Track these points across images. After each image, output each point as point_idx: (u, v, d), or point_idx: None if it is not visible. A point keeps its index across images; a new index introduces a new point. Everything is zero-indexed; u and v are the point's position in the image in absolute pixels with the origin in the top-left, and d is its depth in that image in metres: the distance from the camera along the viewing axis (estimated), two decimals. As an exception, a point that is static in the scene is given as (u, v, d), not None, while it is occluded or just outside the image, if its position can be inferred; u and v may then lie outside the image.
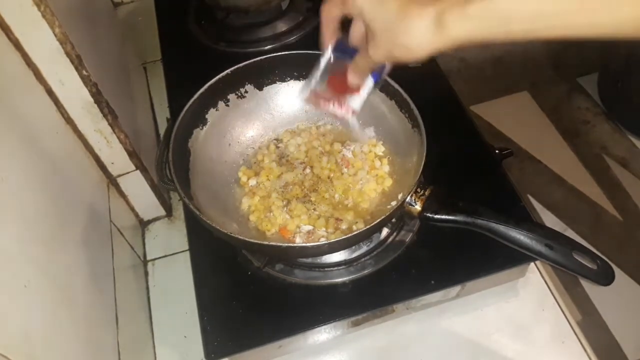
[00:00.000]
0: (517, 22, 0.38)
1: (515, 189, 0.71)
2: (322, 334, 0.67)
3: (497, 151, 0.76)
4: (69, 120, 0.66)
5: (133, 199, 0.83)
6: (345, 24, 0.50)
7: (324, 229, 0.64)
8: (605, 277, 0.54)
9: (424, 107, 0.63)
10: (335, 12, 0.48)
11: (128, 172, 0.78)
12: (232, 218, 0.66)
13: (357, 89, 0.54)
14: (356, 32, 0.50)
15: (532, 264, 0.72)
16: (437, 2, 0.41)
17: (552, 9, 0.37)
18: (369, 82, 0.53)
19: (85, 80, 0.63)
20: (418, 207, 0.59)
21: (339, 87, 0.54)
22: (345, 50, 0.51)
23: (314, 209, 0.66)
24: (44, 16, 0.56)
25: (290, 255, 0.65)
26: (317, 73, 0.56)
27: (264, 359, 0.67)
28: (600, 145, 1.85)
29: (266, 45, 0.93)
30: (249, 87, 0.72)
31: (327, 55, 0.54)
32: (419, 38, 0.42)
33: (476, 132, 0.78)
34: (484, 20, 0.39)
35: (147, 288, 0.81)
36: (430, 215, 0.59)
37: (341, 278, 0.65)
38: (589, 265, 0.54)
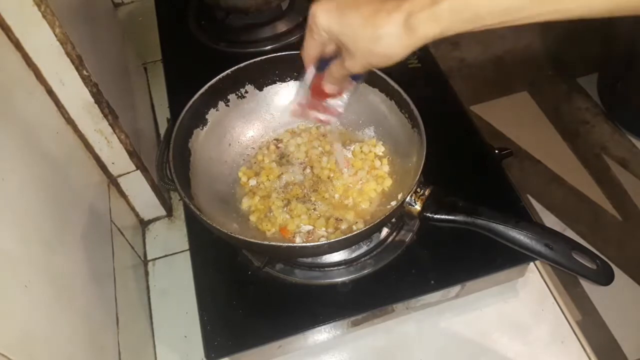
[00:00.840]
0: (488, 17, 0.39)
1: (515, 189, 0.71)
2: (322, 334, 0.67)
3: (496, 151, 0.76)
4: (69, 121, 0.66)
5: (133, 199, 0.83)
6: None
7: (324, 229, 0.64)
8: (604, 277, 0.54)
9: (424, 107, 0.63)
10: (314, 51, 0.50)
11: (128, 172, 0.78)
12: (232, 218, 0.67)
13: (339, 93, 0.56)
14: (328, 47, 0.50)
15: (531, 264, 0.72)
16: (401, 5, 0.41)
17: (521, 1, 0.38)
18: (351, 84, 0.55)
19: (86, 80, 0.64)
20: (418, 207, 0.59)
21: (322, 94, 0.56)
22: (325, 62, 0.53)
23: (314, 209, 0.66)
24: (44, 16, 0.56)
25: (290, 255, 0.65)
26: (301, 89, 0.58)
27: (264, 359, 0.67)
28: (600, 145, 1.85)
29: (266, 46, 0.93)
30: (249, 87, 0.72)
31: (309, 77, 0.55)
32: (392, 44, 0.43)
33: (476, 132, 0.78)
34: (455, 17, 0.40)
35: (148, 288, 0.81)
36: (430, 215, 0.59)
37: (341, 278, 0.65)
38: (589, 265, 0.54)
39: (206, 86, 0.68)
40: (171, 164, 0.61)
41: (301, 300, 0.64)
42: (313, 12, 0.46)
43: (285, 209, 0.66)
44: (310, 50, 0.50)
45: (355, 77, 0.54)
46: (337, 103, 0.57)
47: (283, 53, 0.71)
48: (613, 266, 0.54)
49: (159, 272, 0.83)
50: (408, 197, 0.59)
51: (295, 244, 0.62)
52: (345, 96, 0.56)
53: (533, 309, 0.70)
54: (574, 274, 0.54)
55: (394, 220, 0.66)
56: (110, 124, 0.69)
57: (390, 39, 0.42)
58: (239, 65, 0.69)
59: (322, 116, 0.59)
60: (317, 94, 0.56)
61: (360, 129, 0.73)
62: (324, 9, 0.45)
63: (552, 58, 2.11)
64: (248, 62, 0.70)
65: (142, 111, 0.96)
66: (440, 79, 0.85)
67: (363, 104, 0.71)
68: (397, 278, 0.65)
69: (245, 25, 0.96)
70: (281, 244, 0.60)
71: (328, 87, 0.54)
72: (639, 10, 0.36)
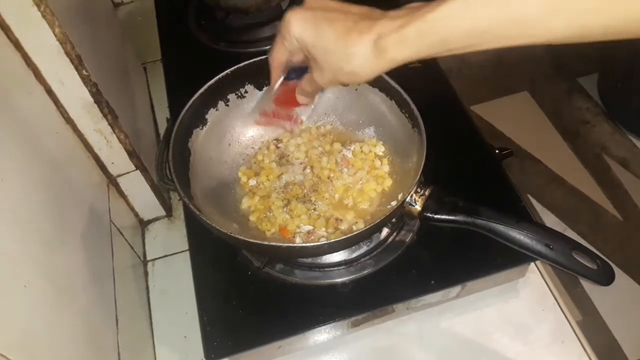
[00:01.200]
0: (454, 41, 0.39)
1: (515, 189, 0.71)
2: (322, 334, 0.67)
3: (497, 151, 0.76)
4: (68, 120, 0.66)
5: (133, 199, 0.83)
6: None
7: (324, 229, 0.64)
8: (605, 277, 0.54)
9: (424, 107, 0.63)
10: (282, 57, 0.50)
11: (128, 172, 0.78)
12: (232, 218, 0.66)
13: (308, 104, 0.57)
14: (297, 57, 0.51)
15: (532, 264, 0.72)
16: (373, 26, 0.41)
17: (485, 25, 0.38)
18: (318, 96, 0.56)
19: (85, 80, 0.64)
20: (418, 207, 0.59)
21: (288, 103, 0.56)
22: (293, 72, 0.53)
23: (314, 209, 0.66)
24: (44, 16, 0.56)
25: (290, 255, 0.65)
26: (265, 99, 0.59)
27: (264, 359, 0.67)
28: (601, 145, 1.84)
29: (266, 45, 0.93)
30: (249, 87, 0.72)
31: (275, 87, 0.56)
32: (361, 64, 0.43)
33: (476, 132, 0.78)
34: (422, 41, 0.40)
35: (147, 288, 0.81)
36: (430, 215, 0.59)
37: (341, 278, 0.65)
38: (589, 265, 0.54)
39: (206, 86, 0.68)
40: (171, 164, 0.61)
41: (301, 301, 0.64)
42: (288, 19, 0.45)
43: (285, 209, 0.66)
44: (279, 57, 0.50)
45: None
46: (303, 112, 0.58)
47: (283, 53, 0.71)
48: (613, 266, 0.54)
49: (159, 272, 0.83)
50: (408, 197, 0.59)
51: (295, 244, 0.62)
52: (311, 106, 0.57)
53: (533, 309, 0.70)
54: (575, 274, 0.54)
55: (394, 220, 0.66)
56: (109, 124, 0.69)
57: (360, 59, 0.42)
58: (239, 65, 0.69)
59: (287, 124, 0.61)
60: (282, 103, 0.57)
61: (360, 129, 0.73)
62: (299, 18, 0.45)
63: (552, 58, 2.11)
64: (248, 62, 0.70)
65: (142, 111, 0.96)
66: (440, 79, 0.85)
67: (363, 104, 0.71)
68: (397, 278, 0.65)
69: (245, 25, 0.96)
70: (281, 244, 0.60)
71: (300, 99, 0.54)
72: (604, 37, 0.36)
